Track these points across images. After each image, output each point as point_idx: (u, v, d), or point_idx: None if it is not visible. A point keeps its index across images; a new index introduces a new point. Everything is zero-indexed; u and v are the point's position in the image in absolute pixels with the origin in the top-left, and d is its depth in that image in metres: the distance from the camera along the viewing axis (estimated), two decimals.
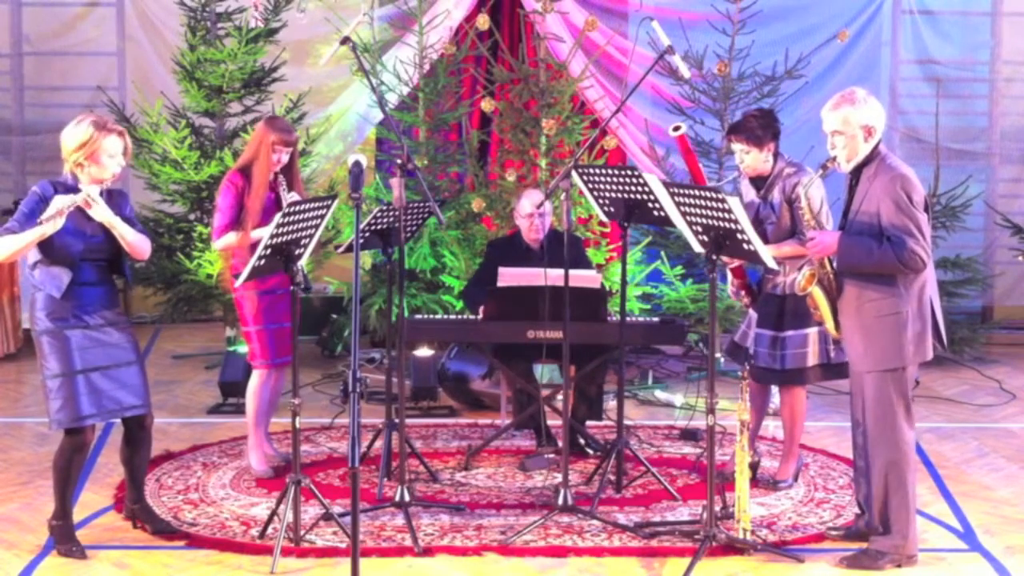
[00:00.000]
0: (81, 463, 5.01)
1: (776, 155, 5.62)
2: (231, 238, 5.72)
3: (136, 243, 4.93)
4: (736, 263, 5.61)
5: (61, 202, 4.69)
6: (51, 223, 4.66)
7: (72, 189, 4.83)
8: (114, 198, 4.96)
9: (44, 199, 4.77)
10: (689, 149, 5.77)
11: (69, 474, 4.95)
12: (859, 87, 4.91)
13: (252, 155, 5.78)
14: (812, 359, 5.59)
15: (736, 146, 5.60)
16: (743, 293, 5.79)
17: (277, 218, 4.87)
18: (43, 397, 4.91)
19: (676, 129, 5.72)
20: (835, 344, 5.55)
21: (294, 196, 5.72)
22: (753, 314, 5.77)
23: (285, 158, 5.79)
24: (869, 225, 4.74)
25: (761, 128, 5.54)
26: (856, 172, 4.85)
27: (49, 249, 4.81)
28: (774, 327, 5.63)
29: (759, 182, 5.66)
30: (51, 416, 4.87)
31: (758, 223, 5.59)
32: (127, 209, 5.01)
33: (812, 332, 5.57)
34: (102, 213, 4.80)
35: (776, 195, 5.59)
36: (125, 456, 5.19)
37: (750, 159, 5.58)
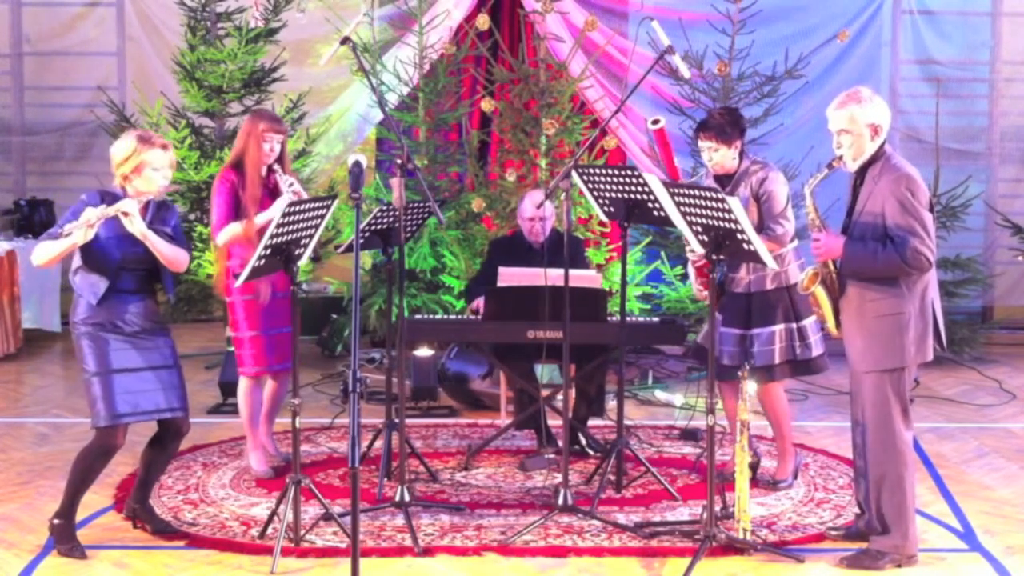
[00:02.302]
0: (102, 467, 5.01)
1: (742, 153, 5.66)
2: (235, 228, 5.67)
3: (171, 256, 4.92)
4: (702, 261, 5.58)
5: (91, 214, 4.73)
6: (80, 233, 4.70)
7: (120, 200, 4.87)
8: (161, 211, 5.00)
9: (89, 208, 4.81)
10: (666, 142, 5.76)
11: (88, 475, 4.96)
12: (864, 86, 4.92)
13: (242, 148, 5.74)
14: (779, 356, 5.61)
15: (704, 144, 5.62)
16: (708, 292, 5.78)
17: (277, 217, 4.86)
18: (84, 396, 4.94)
19: (656, 123, 5.72)
20: (801, 341, 5.60)
21: (291, 180, 5.68)
22: (717, 315, 5.75)
23: (277, 147, 5.74)
24: (873, 225, 4.73)
25: (729, 125, 5.58)
26: (861, 171, 4.85)
27: (88, 256, 4.85)
28: (742, 325, 5.64)
29: (724, 180, 5.68)
30: (91, 414, 4.90)
31: None
32: (172, 222, 5.02)
33: (779, 329, 5.60)
34: (136, 226, 4.81)
35: (743, 191, 5.60)
36: (147, 458, 5.17)
37: (719, 156, 5.60)
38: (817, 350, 5.65)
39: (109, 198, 4.87)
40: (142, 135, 4.91)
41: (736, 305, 5.67)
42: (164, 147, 4.93)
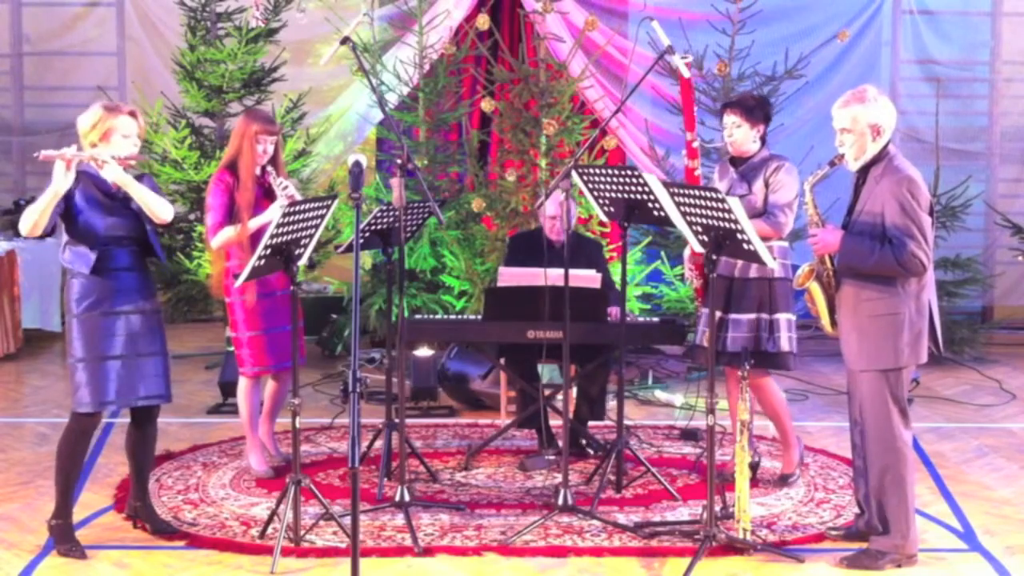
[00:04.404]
0: (86, 449, 5.00)
1: (763, 140, 5.70)
2: (230, 232, 5.66)
3: (154, 203, 4.87)
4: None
5: (67, 150, 4.65)
6: (60, 171, 4.61)
7: (93, 174, 4.84)
8: (141, 182, 4.95)
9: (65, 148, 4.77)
10: (690, 92, 5.78)
11: (74, 461, 4.94)
12: (871, 85, 4.93)
13: (236, 150, 5.72)
14: (750, 345, 5.61)
15: (728, 119, 5.67)
16: (697, 274, 5.78)
17: (277, 218, 4.85)
18: (69, 380, 4.93)
19: (684, 58, 5.74)
20: (770, 334, 5.61)
21: (285, 183, 5.67)
22: (705, 312, 5.76)
23: (271, 148, 5.72)
24: (872, 225, 4.74)
25: (757, 107, 5.66)
26: (863, 171, 4.85)
27: (73, 227, 4.83)
28: (721, 309, 5.64)
29: (738, 164, 5.71)
30: (73, 398, 4.90)
31: None
32: (148, 187, 4.95)
33: (751, 318, 5.60)
34: (113, 172, 4.78)
35: (755, 177, 5.62)
36: (130, 448, 5.17)
37: (740, 133, 5.64)
38: (785, 346, 5.64)
39: (83, 175, 4.83)
40: (108, 104, 4.91)
41: (716, 288, 5.65)
42: (132, 114, 4.91)
